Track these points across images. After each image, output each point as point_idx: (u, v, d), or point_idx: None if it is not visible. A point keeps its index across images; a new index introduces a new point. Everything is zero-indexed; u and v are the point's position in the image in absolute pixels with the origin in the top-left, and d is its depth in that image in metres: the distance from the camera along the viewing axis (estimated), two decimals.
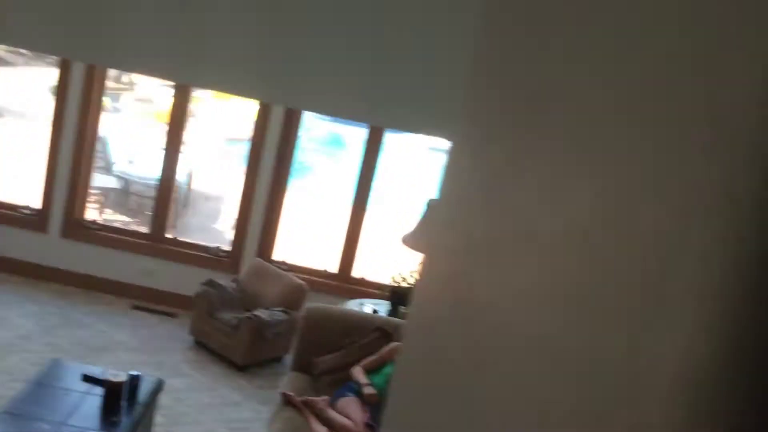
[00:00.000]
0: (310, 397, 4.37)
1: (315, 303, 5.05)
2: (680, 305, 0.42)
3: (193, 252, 6.39)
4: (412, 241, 5.32)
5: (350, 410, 4.25)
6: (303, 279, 5.93)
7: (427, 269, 0.77)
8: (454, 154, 0.83)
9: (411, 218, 5.81)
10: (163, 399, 4.81)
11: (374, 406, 4.22)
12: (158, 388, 4.37)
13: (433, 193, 6.28)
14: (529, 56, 0.69)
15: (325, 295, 6.12)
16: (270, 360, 5.74)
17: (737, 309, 0.40)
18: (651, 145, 0.50)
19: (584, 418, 0.48)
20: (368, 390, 4.27)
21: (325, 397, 4.38)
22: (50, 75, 8.16)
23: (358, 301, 5.84)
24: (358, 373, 4.41)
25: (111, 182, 8.38)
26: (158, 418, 4.66)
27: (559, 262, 0.54)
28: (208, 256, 6.36)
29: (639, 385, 0.42)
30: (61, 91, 6.10)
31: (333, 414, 4.25)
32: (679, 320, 0.41)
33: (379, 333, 4.70)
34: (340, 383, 4.50)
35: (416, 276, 5.69)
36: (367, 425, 4.13)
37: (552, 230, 0.56)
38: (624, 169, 0.50)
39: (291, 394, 4.39)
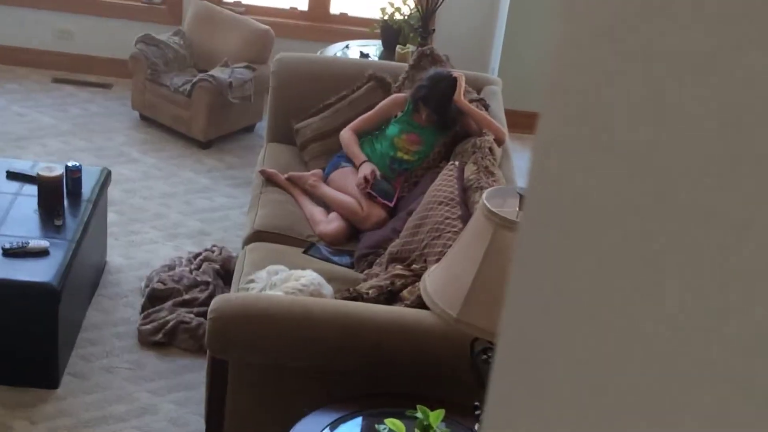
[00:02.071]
0: (296, 173, 4.41)
1: (286, 53, 4.95)
2: None
3: (118, 1, 6.19)
4: None
5: (348, 183, 4.30)
6: (266, 23, 5.79)
7: None
8: None
9: None
10: (114, 193, 4.86)
11: (370, 183, 4.25)
12: (105, 179, 4.39)
13: None
14: None
15: (297, 42, 6.01)
16: (239, 131, 5.74)
17: None
18: None
19: None
20: (364, 170, 4.26)
21: (316, 171, 4.42)
22: None
23: (340, 44, 5.74)
24: (348, 143, 4.39)
25: None
26: (112, 217, 4.74)
27: None
28: (139, 4, 6.18)
29: None
30: None
31: (327, 190, 4.31)
32: None
33: (373, 82, 4.66)
34: (332, 152, 4.51)
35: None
36: (369, 195, 4.19)
37: None
38: None
39: (272, 171, 4.42)
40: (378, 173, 4.26)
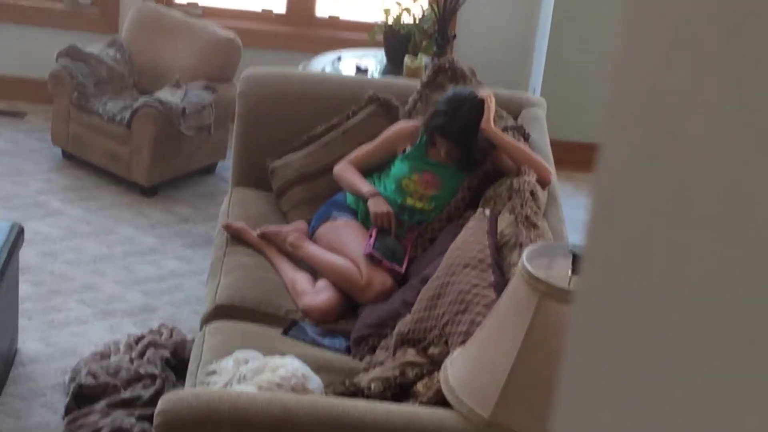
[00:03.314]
0: (271, 228, 4.41)
1: (257, 68, 4.99)
2: None
3: (33, 4, 6.25)
4: None
5: (342, 239, 4.31)
6: (231, 29, 5.84)
7: None
8: None
9: None
10: (28, 256, 4.86)
11: (382, 227, 4.26)
12: (16, 238, 4.40)
13: None
14: None
15: (272, 53, 6.06)
16: (195, 173, 5.76)
17: None
18: None
19: None
20: (377, 206, 4.27)
21: (299, 224, 4.42)
22: None
23: (330, 55, 5.78)
24: (348, 174, 4.42)
25: None
26: (25, 289, 4.73)
27: None
28: (64, 8, 6.23)
29: None
30: None
31: (314, 250, 4.31)
32: None
33: (373, 106, 4.69)
34: (319, 199, 4.53)
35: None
36: (370, 257, 4.19)
37: None
38: None
39: (240, 225, 4.43)
40: (393, 219, 4.25)
